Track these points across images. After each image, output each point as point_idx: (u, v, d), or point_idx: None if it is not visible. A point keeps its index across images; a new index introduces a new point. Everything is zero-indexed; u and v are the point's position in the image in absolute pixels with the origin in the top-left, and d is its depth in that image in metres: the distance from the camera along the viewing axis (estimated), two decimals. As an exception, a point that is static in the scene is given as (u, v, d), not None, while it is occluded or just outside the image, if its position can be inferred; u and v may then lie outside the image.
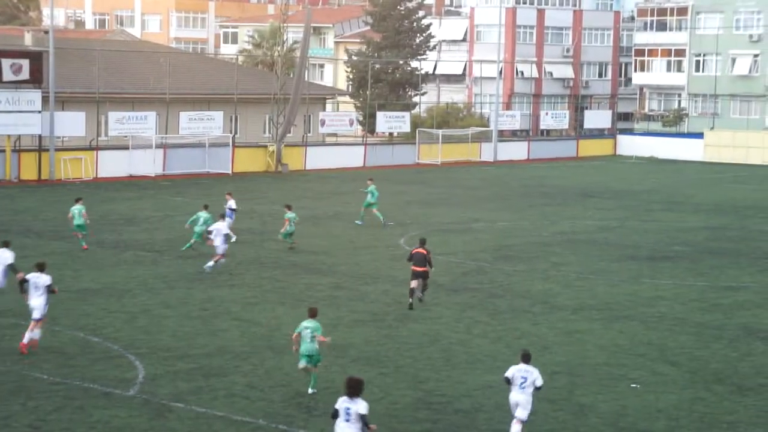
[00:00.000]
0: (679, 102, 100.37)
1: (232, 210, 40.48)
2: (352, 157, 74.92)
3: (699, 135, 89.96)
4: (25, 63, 58.07)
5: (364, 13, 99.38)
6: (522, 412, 18.70)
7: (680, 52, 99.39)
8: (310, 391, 21.70)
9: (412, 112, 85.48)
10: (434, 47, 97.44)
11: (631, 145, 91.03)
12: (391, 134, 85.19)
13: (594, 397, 21.76)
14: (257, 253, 37.25)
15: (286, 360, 23.83)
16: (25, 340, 23.84)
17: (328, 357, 24.13)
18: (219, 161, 66.39)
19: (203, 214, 36.32)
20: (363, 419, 16.10)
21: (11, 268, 27.37)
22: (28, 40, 71.75)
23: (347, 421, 16.14)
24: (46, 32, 67.17)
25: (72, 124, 61.37)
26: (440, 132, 79.30)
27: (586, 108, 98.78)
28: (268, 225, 44.28)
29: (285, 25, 74.98)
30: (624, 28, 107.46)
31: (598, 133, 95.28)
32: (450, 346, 25.52)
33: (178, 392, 21.34)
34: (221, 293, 30.76)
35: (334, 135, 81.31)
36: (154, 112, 65.40)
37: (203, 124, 67.02)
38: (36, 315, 23.96)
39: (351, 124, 78.13)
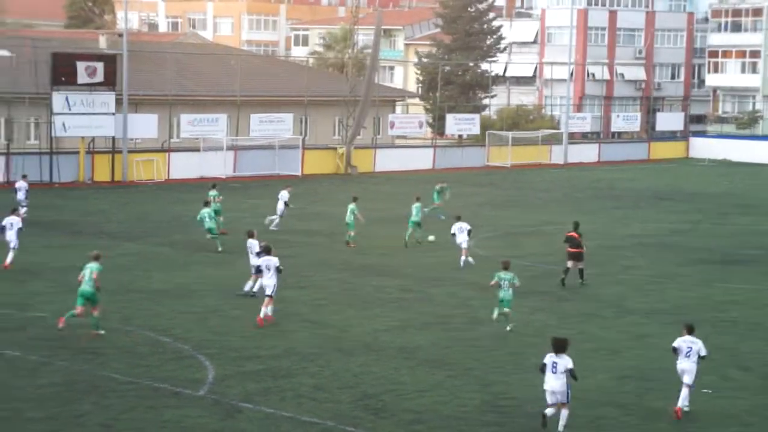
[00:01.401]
0: (754, 104, 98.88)
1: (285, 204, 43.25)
2: (421, 160, 74.89)
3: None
4: (100, 66, 58.85)
5: (435, 15, 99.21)
6: (688, 378, 20.95)
7: (755, 54, 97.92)
8: (508, 328, 26.96)
9: (482, 114, 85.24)
10: (505, 49, 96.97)
11: (704, 148, 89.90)
12: (460, 136, 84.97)
13: (664, 402, 21.52)
14: (325, 255, 37.38)
15: (353, 361, 23.90)
16: (261, 315, 27.07)
17: (396, 359, 24.17)
18: (289, 163, 66.73)
19: (418, 204, 40.83)
20: (571, 372, 19.37)
21: (258, 255, 29.70)
22: (102, 43, 72.73)
23: (554, 372, 19.39)
24: (120, 35, 68.04)
25: (144, 126, 62.11)
26: (510, 134, 78.95)
27: (658, 110, 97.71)
28: (336, 227, 44.42)
29: (356, 27, 75.14)
30: (697, 29, 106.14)
31: (671, 136, 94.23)
32: (519, 350, 25.41)
33: (246, 393, 21.49)
34: (290, 295, 30.90)
35: (404, 137, 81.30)
36: (225, 114, 65.99)
37: (273, 126, 67.42)
38: (268, 292, 27.35)
39: (420, 126, 78.08)
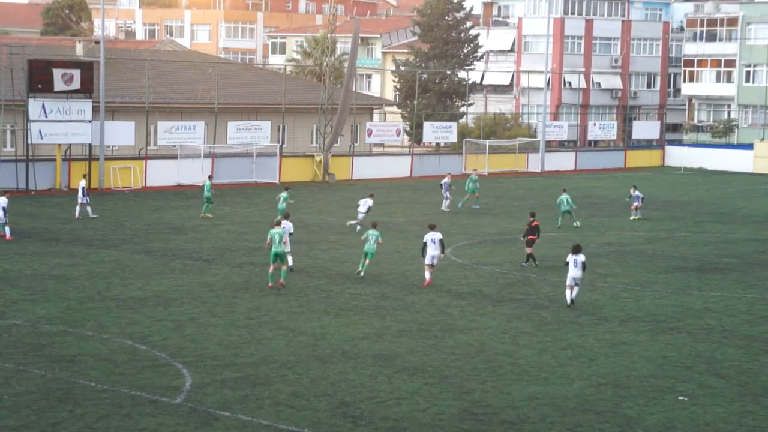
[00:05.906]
0: (729, 113, 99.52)
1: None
2: (398, 168, 74.99)
3: (749, 146, 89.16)
4: (76, 73, 58.66)
5: (412, 24, 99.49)
6: None
7: (730, 63, 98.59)
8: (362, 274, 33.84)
9: (460, 122, 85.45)
10: (482, 57, 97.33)
11: (680, 156, 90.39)
12: (438, 144, 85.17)
13: (641, 410, 21.61)
14: (303, 263, 37.36)
15: (331, 369, 23.89)
16: (427, 276, 34.01)
17: (373, 367, 24.16)
18: (266, 171, 66.68)
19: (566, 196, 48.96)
20: (583, 265, 30.77)
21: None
22: (79, 50, 72.54)
23: (575, 266, 30.58)
24: (97, 42, 67.88)
25: (122, 133, 61.97)
26: (487, 142, 79.18)
27: (635, 119, 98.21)
28: (314, 234, 44.47)
29: (333, 35, 75.26)
30: (673, 38, 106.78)
31: (647, 144, 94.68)
32: (496, 357, 25.47)
33: (224, 401, 21.45)
34: (267, 302, 30.89)
35: (381, 145, 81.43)
36: (203, 122, 65.91)
37: (251, 134, 67.39)
38: (434, 262, 33.98)
39: (398, 134, 78.23)
